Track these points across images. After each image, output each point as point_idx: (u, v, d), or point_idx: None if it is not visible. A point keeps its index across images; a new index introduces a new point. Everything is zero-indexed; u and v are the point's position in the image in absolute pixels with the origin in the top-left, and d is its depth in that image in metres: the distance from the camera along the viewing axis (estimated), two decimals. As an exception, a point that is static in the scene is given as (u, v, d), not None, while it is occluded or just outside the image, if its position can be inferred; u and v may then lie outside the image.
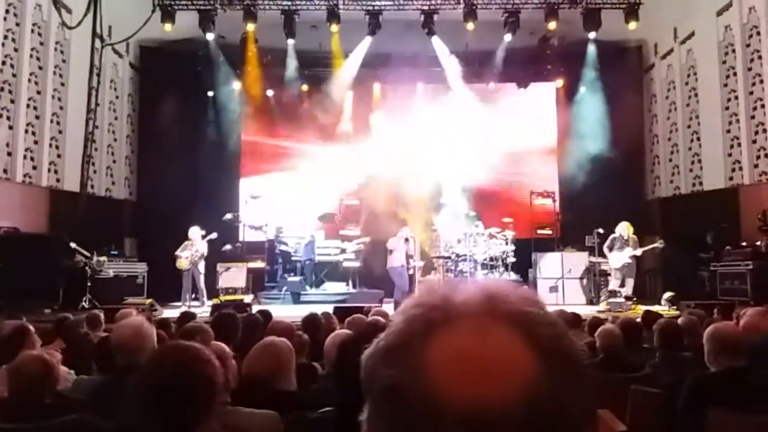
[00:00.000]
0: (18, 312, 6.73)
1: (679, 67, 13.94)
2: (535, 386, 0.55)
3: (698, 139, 13.38)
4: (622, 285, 11.19)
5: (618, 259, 11.20)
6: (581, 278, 12.15)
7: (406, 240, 11.42)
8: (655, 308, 9.17)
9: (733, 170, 12.22)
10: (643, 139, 15.00)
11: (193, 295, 11.55)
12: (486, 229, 12.36)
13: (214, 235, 11.59)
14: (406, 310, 0.63)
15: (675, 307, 10.18)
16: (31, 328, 4.23)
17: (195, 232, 11.47)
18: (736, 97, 12.11)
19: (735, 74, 12.13)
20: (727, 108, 12.37)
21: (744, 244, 10.98)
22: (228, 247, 12.70)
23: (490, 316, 0.59)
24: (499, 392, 0.54)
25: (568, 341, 0.61)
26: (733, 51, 12.19)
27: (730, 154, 12.30)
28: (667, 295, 10.85)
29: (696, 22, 13.19)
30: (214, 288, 12.10)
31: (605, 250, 11.38)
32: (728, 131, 12.34)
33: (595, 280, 11.93)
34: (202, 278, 11.54)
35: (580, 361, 0.61)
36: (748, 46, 11.89)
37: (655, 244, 11.30)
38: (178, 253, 11.41)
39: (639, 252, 11.20)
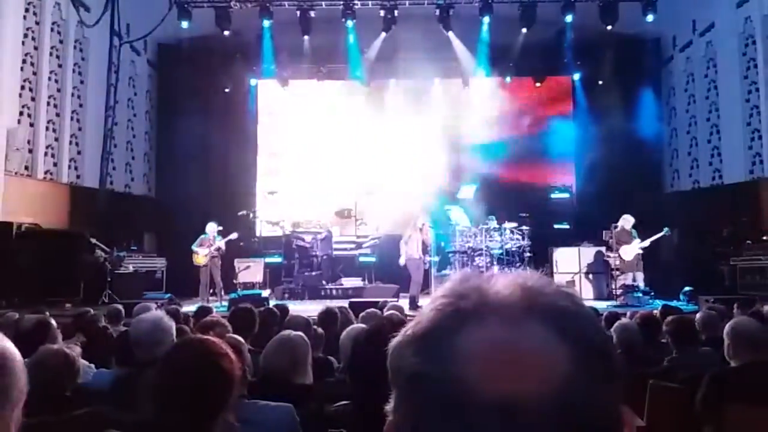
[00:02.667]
0: (41, 306, 6.84)
1: (698, 60, 13.76)
2: (568, 381, 0.54)
3: (718, 131, 13.20)
4: (633, 279, 11.10)
5: (629, 251, 11.10)
6: (598, 273, 12.07)
7: (420, 229, 11.36)
8: (673, 303, 9.08)
9: (754, 163, 12.05)
10: (662, 132, 14.83)
11: (211, 290, 11.64)
12: (502, 223, 12.29)
13: (234, 235, 11.61)
14: (437, 298, 0.62)
15: (694, 301, 10.07)
16: (53, 322, 4.30)
17: (212, 227, 11.54)
18: (757, 89, 11.92)
19: (755, 66, 11.94)
20: (747, 100, 12.18)
21: (765, 238, 10.83)
22: (236, 239, 12.70)
23: (525, 309, 0.58)
24: (531, 385, 0.53)
25: (603, 336, 0.60)
26: (754, 42, 12.00)
27: (750, 147, 12.12)
28: (686, 289, 10.74)
29: (715, 13, 13.00)
30: (231, 283, 12.20)
31: (613, 244, 11.30)
32: (749, 124, 12.16)
33: (612, 275, 11.84)
34: (219, 273, 11.62)
35: (614, 356, 0.60)
36: (768, 37, 11.71)
37: (662, 233, 11.15)
38: (194, 248, 11.48)
39: (647, 243, 11.09)
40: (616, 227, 11.45)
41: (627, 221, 11.15)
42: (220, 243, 11.45)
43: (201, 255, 11.37)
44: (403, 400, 0.59)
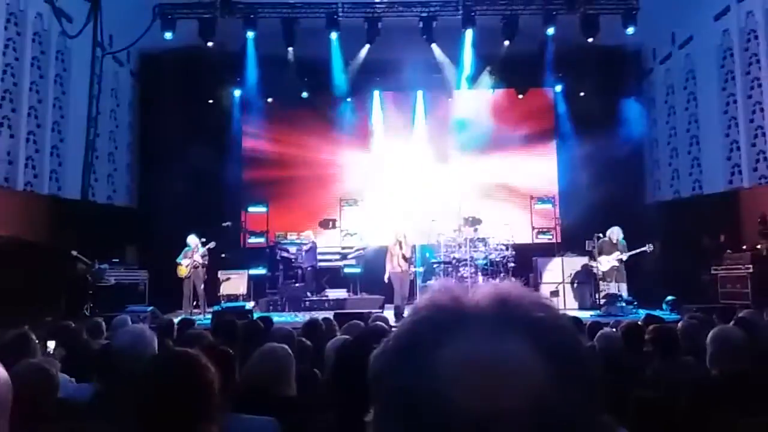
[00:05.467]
0: (20, 319, 6.72)
1: (677, 72, 13.96)
2: (545, 393, 0.54)
3: (698, 143, 13.38)
4: (618, 289, 11.20)
5: (606, 262, 11.26)
6: (582, 283, 12.15)
7: (400, 243, 11.40)
8: (656, 312, 9.16)
9: (733, 174, 12.22)
10: (643, 143, 15.00)
11: (194, 303, 11.56)
12: (486, 234, 12.36)
13: (212, 244, 11.60)
14: (417, 311, 0.62)
15: (677, 311, 10.16)
16: (33, 335, 4.24)
17: (194, 240, 11.50)
18: (735, 101, 12.11)
19: (734, 78, 12.14)
20: (726, 112, 12.37)
21: (744, 247, 10.97)
22: (224, 255, 12.68)
23: (501, 321, 0.58)
24: (508, 398, 0.54)
25: (579, 347, 0.61)
26: (732, 55, 12.20)
27: (729, 158, 12.30)
28: (669, 299, 10.84)
29: (694, 26, 13.21)
30: (215, 295, 12.12)
31: (595, 253, 11.44)
32: (727, 135, 12.34)
33: (596, 285, 11.92)
34: (202, 285, 11.56)
35: (591, 367, 0.60)
36: (746, 50, 11.90)
37: (644, 248, 11.27)
38: (179, 261, 11.43)
39: (625, 257, 11.22)
40: (599, 237, 11.56)
41: (613, 233, 11.29)
42: (199, 255, 11.41)
43: (184, 266, 11.34)
44: (383, 412, 0.59)
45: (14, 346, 3.99)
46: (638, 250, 11.28)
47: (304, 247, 13.04)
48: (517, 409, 0.53)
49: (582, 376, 0.58)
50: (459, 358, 0.56)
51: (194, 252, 11.44)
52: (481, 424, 0.53)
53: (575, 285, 12.15)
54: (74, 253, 10.63)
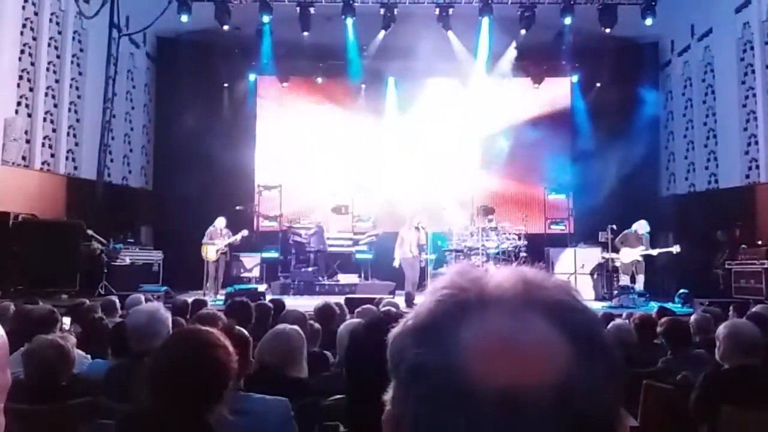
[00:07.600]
0: (35, 297, 6.81)
1: (696, 64, 13.78)
2: (568, 373, 0.54)
3: (714, 136, 13.23)
4: (632, 281, 11.15)
5: (629, 255, 11.16)
6: (594, 274, 12.09)
7: (417, 229, 11.42)
8: (668, 305, 9.11)
9: (750, 168, 12.07)
10: (659, 135, 14.85)
11: (208, 284, 11.66)
12: (499, 223, 12.33)
13: (245, 233, 11.68)
14: (437, 290, 0.62)
15: (689, 304, 10.10)
16: (59, 316, 4.33)
17: (222, 222, 11.59)
18: (754, 95, 11.94)
19: (753, 72, 11.95)
20: (744, 105, 12.20)
21: (760, 242, 10.86)
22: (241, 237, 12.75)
23: (525, 301, 0.58)
24: (532, 375, 0.54)
25: (601, 328, 0.61)
26: (752, 48, 12.01)
27: (747, 152, 12.15)
28: (681, 292, 10.77)
29: (714, 18, 13.02)
30: (228, 277, 12.21)
31: (617, 243, 11.35)
32: (745, 129, 12.18)
33: (608, 276, 11.86)
34: (222, 268, 11.70)
35: (613, 348, 0.60)
36: (766, 43, 11.71)
37: (670, 249, 11.20)
38: (206, 242, 11.47)
39: (654, 252, 11.15)
40: (612, 229, 11.46)
41: (641, 227, 11.19)
42: (232, 239, 11.50)
43: (215, 250, 11.42)
44: (404, 390, 0.59)
45: (43, 321, 4.08)
46: (665, 250, 11.22)
47: (309, 232, 13.07)
48: (542, 387, 0.53)
49: (605, 359, 0.58)
50: (483, 336, 0.56)
51: (222, 235, 11.52)
52: (504, 400, 0.53)
53: (586, 277, 12.07)
54: (90, 232, 10.72)
